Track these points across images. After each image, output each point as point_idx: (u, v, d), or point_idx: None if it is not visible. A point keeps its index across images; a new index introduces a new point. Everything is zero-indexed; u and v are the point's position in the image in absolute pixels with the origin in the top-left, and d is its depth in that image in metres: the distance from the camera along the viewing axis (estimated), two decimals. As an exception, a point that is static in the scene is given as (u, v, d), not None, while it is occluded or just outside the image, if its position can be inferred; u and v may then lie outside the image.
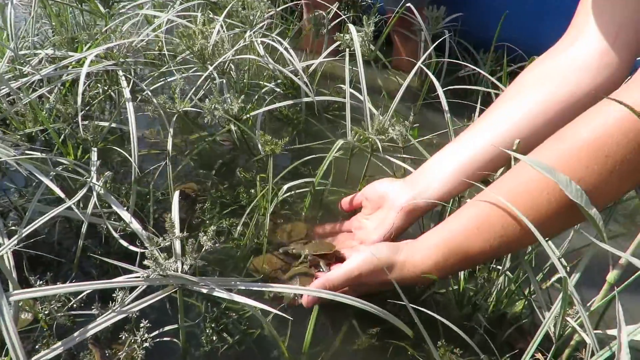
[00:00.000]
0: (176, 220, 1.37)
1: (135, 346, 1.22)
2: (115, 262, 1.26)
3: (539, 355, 1.39)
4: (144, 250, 1.21)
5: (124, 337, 1.27)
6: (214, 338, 1.45)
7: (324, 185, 2.12)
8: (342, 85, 2.20)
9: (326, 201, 2.12)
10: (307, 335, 1.44)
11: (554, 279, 1.39)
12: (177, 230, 1.30)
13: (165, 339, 1.35)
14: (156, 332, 1.30)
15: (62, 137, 1.96)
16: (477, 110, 2.56)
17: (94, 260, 1.59)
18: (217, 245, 1.24)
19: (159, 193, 1.95)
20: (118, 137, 2.26)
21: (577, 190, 1.12)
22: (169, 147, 1.89)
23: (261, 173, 2.13)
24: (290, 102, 2.32)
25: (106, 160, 2.13)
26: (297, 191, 2.04)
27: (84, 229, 1.44)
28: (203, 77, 2.13)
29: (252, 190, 2.00)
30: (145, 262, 1.14)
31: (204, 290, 1.20)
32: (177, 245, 1.27)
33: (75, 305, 1.44)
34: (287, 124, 2.68)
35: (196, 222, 1.88)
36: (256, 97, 2.53)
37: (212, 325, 1.46)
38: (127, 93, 1.87)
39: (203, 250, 1.24)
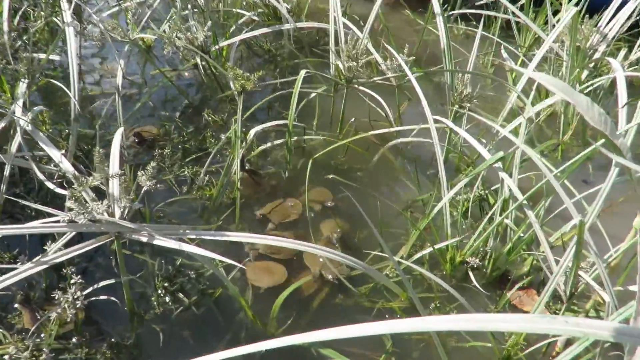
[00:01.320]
0: (115, 159, 1.26)
1: (66, 306, 1.13)
2: (39, 207, 1.16)
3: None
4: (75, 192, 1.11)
5: (56, 297, 1.18)
6: (167, 299, 1.37)
7: (309, 129, 2.00)
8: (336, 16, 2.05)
9: (309, 147, 2.00)
10: (279, 299, 1.36)
11: (569, 226, 1.27)
12: (111, 167, 1.19)
13: (103, 297, 1.27)
14: (89, 290, 1.21)
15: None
16: (494, 42, 2.40)
17: (28, 211, 1.50)
18: (159, 186, 1.13)
19: (111, 136, 1.85)
20: (64, 73, 2.13)
21: (601, 114, 1.00)
22: (119, 80, 1.76)
23: (235, 115, 2.00)
24: (267, 29, 2.16)
25: (50, 99, 2.02)
26: (276, 142, 1.92)
27: (6, 171, 1.34)
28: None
29: (222, 136, 1.88)
30: (68, 204, 1.04)
31: (144, 239, 1.10)
32: (114, 187, 1.17)
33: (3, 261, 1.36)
34: (269, 60, 2.53)
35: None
36: (232, 28, 2.38)
37: (165, 285, 1.38)
38: (67, 16, 1.73)
39: (143, 190, 1.13)
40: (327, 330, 0.64)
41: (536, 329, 0.58)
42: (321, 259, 1.48)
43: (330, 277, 1.43)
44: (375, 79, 1.92)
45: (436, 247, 1.40)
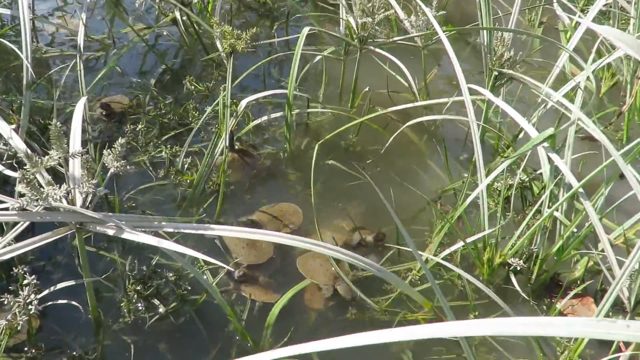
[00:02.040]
0: (77, 135, 1.25)
1: (17, 312, 1.13)
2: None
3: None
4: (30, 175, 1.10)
5: (6, 301, 1.19)
6: (140, 306, 1.37)
7: (314, 101, 1.98)
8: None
9: (314, 124, 1.98)
10: (273, 310, 1.35)
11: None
12: (72, 145, 1.18)
13: (62, 302, 1.27)
14: (46, 293, 1.22)
15: None
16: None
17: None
18: (129, 168, 1.12)
19: (71, 108, 1.84)
20: (15, 31, 2.12)
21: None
22: (80, 40, 1.74)
23: (223, 83, 1.99)
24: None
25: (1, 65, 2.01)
26: (273, 116, 1.89)
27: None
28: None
29: (207, 108, 1.87)
30: (19, 188, 1.03)
31: (110, 232, 1.09)
32: (75, 168, 1.16)
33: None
34: (265, 15, 2.49)
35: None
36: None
37: (137, 289, 1.37)
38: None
39: (110, 172, 1.12)
40: (325, 341, 0.63)
41: (590, 334, 0.56)
42: (332, 268, 1.48)
43: (344, 292, 1.44)
44: (396, 38, 1.90)
45: (469, 240, 1.38)
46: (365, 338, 0.63)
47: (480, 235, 1.40)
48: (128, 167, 1.13)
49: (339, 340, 0.63)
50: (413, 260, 1.49)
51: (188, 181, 1.68)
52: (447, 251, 1.39)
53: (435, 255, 1.44)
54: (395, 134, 1.73)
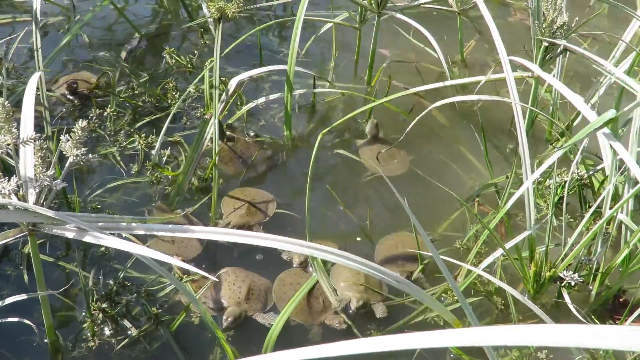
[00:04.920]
0: (29, 117, 1.29)
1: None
2: None
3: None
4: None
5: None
6: (106, 328, 1.39)
7: (322, 79, 2.00)
8: None
9: (322, 107, 2.00)
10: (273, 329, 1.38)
11: None
12: (23, 129, 1.21)
13: (12, 320, 1.30)
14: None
15: None
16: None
17: None
18: (93, 157, 1.15)
19: (23, 87, 1.87)
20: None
21: None
22: (36, 3, 1.77)
23: (210, 57, 2.03)
24: None
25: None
26: (272, 97, 1.91)
27: None
28: None
29: (191, 88, 1.89)
30: (-42, 181, 1.06)
31: (70, 234, 1.12)
32: (27, 158, 1.19)
33: None
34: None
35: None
36: None
37: (103, 306, 1.40)
38: None
39: (68, 162, 1.16)
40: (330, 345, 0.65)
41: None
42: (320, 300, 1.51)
43: (336, 324, 1.48)
44: (422, 1, 1.91)
45: (508, 245, 1.40)
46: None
47: (520, 237, 1.41)
48: (91, 156, 1.15)
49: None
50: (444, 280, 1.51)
51: (169, 178, 1.71)
52: (486, 263, 1.40)
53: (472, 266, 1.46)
54: (421, 115, 1.71)
